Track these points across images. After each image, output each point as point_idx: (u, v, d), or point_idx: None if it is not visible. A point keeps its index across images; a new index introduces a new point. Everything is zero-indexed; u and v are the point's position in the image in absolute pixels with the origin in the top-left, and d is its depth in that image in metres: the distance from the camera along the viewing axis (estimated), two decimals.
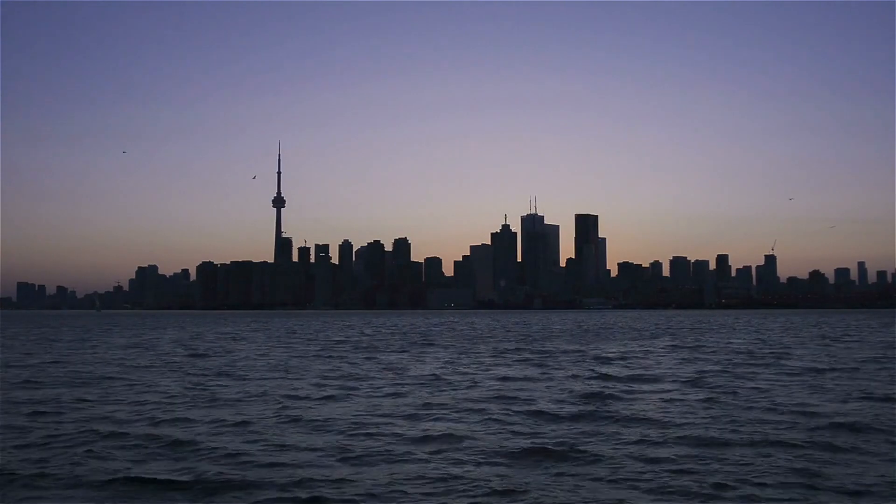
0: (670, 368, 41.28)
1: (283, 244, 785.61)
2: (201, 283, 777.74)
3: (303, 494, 14.47)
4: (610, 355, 52.10)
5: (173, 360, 49.46)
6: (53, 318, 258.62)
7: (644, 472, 15.94)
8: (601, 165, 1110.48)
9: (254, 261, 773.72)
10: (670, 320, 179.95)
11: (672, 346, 65.20)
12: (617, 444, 18.91)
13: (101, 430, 21.22)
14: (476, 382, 33.51)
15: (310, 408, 25.71)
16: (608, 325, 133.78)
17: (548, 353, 54.04)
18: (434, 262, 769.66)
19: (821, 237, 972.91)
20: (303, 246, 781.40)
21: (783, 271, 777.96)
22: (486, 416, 23.20)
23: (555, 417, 23.24)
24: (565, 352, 56.59)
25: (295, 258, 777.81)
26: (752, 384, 32.44)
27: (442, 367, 42.37)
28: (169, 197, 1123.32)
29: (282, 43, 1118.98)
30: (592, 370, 39.54)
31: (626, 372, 38.82)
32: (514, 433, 20.46)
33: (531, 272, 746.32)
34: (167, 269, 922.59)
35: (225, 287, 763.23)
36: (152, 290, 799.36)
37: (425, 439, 19.60)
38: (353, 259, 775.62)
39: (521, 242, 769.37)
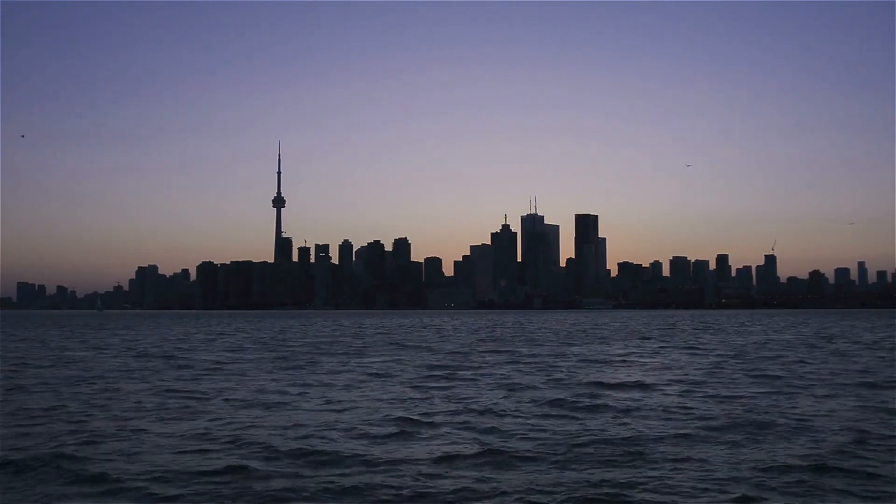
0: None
1: (283, 244, 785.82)
2: (201, 283, 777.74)
3: None
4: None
5: None
6: (52, 318, 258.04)
7: None
8: (601, 165, 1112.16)
9: (254, 261, 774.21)
10: (660, 321, 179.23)
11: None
12: None
13: None
14: None
15: None
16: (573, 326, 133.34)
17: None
18: (434, 262, 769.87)
19: (821, 237, 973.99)
20: (303, 246, 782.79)
21: (783, 271, 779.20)
22: None
23: None
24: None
25: (295, 258, 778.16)
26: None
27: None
28: (169, 197, 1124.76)
29: (282, 43, 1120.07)
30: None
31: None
32: None
33: (531, 272, 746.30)
34: (167, 269, 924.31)
35: (225, 287, 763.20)
36: (152, 290, 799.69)
37: None
38: (353, 259, 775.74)
39: (521, 242, 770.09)
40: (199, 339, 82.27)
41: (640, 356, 52.45)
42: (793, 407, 25.74)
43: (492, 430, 21.12)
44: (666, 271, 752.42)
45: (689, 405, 26.23)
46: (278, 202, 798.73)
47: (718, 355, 51.92)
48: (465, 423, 22.70)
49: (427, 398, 28.44)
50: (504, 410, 25.26)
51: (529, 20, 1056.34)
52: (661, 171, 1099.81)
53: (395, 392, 30.50)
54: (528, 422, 22.87)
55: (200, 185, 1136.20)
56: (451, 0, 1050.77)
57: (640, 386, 32.45)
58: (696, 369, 40.84)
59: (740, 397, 28.27)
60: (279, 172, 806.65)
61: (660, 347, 63.54)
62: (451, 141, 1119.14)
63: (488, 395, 29.23)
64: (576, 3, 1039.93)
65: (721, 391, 30.27)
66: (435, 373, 39.26)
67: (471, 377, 36.73)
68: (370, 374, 38.24)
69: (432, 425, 22.18)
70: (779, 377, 36.02)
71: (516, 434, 20.74)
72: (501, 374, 38.22)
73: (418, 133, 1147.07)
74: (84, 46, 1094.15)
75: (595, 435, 20.48)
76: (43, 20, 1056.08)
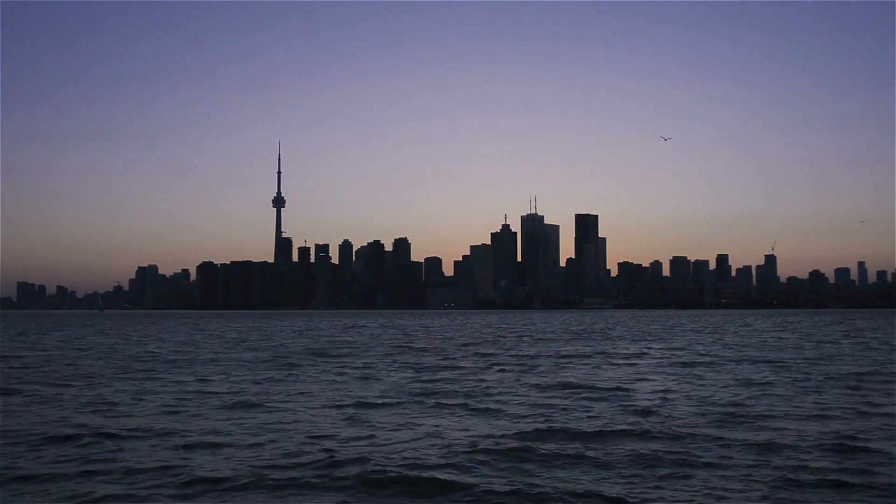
0: None
1: (283, 244, 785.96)
2: (201, 283, 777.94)
3: None
4: None
5: None
6: (52, 318, 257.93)
7: None
8: (601, 165, 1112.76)
9: (254, 261, 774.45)
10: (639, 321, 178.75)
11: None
12: None
13: None
14: None
15: None
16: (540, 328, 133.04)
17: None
18: (434, 262, 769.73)
19: (821, 237, 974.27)
20: (303, 246, 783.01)
21: (783, 271, 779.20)
22: None
23: None
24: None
25: (295, 258, 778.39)
26: None
27: None
28: (169, 197, 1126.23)
29: (282, 43, 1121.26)
30: None
31: None
32: None
33: (531, 272, 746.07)
34: (167, 269, 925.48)
35: (225, 287, 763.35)
36: (152, 290, 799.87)
37: None
38: (353, 259, 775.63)
39: (521, 242, 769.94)
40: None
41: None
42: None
43: None
44: (666, 271, 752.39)
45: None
46: (278, 202, 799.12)
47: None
48: None
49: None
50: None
51: (529, 20, 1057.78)
52: (661, 172, 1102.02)
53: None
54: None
55: (200, 185, 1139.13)
56: (452, 0, 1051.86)
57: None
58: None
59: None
60: (279, 172, 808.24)
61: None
62: (451, 141, 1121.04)
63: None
64: (576, 3, 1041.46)
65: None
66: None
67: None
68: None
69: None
70: None
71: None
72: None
73: (418, 133, 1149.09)
74: (84, 46, 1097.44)
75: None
76: (43, 20, 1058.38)
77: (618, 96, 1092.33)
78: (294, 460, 17.46)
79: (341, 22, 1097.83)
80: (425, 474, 16.04)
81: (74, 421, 23.26)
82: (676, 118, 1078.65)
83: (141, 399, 28.63)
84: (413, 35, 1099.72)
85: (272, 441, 19.81)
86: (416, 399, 28.18)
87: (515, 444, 19.16)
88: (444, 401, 27.56)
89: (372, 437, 20.42)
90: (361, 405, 26.49)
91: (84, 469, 16.80)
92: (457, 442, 19.52)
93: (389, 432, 21.08)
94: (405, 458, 17.70)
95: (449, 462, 17.27)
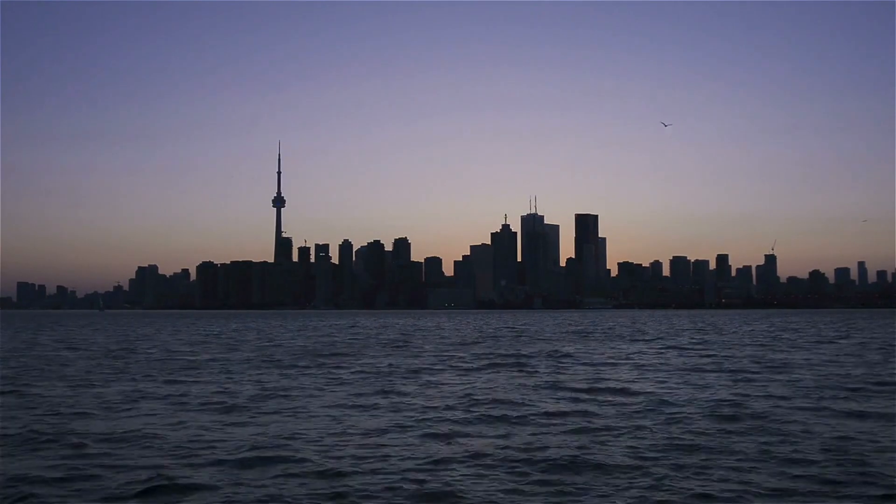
0: None
1: (283, 244, 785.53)
2: (201, 283, 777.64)
3: None
4: None
5: None
6: (51, 318, 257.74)
7: None
8: (601, 165, 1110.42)
9: (254, 261, 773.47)
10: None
11: None
12: None
13: None
14: None
15: None
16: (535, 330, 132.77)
17: None
18: (434, 262, 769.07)
19: (821, 237, 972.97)
20: (303, 246, 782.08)
21: (783, 271, 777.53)
22: None
23: None
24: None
25: (295, 258, 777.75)
26: None
27: None
28: (169, 197, 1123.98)
29: (282, 43, 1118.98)
30: None
31: None
32: None
33: (531, 272, 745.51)
34: (167, 269, 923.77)
35: (225, 287, 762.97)
36: (152, 290, 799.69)
37: None
38: (353, 259, 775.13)
39: (521, 242, 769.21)
40: None
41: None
42: None
43: None
44: (666, 271, 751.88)
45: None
46: (278, 202, 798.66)
47: None
48: None
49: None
50: None
51: (530, 20, 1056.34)
52: (660, 172, 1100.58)
53: None
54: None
55: (200, 185, 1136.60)
56: (452, 0, 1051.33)
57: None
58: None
59: None
60: (279, 172, 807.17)
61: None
62: (451, 141, 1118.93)
63: None
64: (576, 3, 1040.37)
65: None
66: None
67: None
68: None
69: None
70: None
71: None
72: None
73: (418, 133, 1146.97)
74: (84, 46, 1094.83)
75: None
76: (43, 20, 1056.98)
77: (618, 96, 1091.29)
78: (278, 461, 17.15)
79: (341, 22, 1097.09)
80: (411, 477, 15.72)
81: (53, 422, 22.96)
82: (676, 118, 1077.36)
83: (127, 400, 28.30)
84: (413, 35, 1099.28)
85: (256, 442, 19.48)
86: (410, 399, 27.89)
87: (510, 444, 18.86)
88: (438, 402, 27.26)
89: (362, 437, 20.12)
90: (352, 406, 26.20)
91: (63, 475, 16.47)
92: (447, 444, 19.21)
93: (380, 433, 20.77)
94: (393, 459, 17.38)
95: (438, 465, 16.94)
